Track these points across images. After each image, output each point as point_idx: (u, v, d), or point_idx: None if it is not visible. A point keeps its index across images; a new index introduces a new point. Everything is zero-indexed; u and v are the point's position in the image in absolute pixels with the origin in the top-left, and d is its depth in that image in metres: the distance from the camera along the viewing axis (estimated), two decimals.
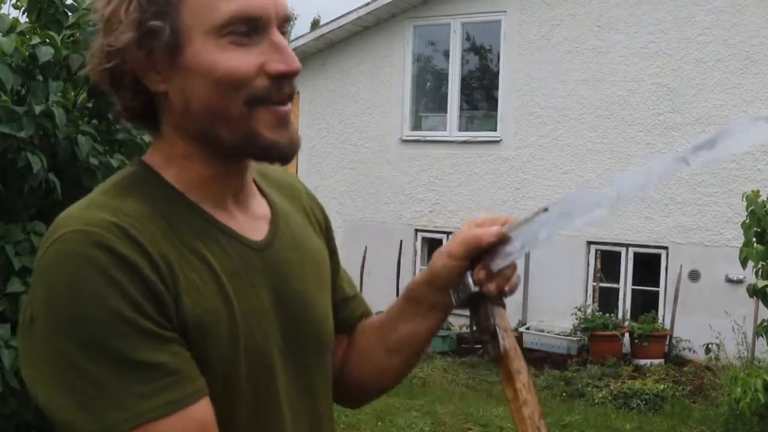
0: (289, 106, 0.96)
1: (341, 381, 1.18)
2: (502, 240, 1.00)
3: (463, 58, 9.65)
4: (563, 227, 0.98)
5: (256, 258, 0.99)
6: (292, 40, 9.92)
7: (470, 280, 1.02)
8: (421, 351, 1.18)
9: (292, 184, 1.19)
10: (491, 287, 1.02)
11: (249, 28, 0.92)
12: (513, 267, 1.04)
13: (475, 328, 0.96)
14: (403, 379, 1.23)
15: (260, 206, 1.06)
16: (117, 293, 0.84)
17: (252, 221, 1.03)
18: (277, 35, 0.94)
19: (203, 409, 0.87)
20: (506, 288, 1.04)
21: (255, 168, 1.07)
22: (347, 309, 1.21)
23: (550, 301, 8.51)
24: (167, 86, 0.94)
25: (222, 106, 0.92)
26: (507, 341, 1.02)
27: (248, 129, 0.93)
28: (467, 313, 1.09)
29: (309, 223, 1.15)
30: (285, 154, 0.96)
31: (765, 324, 5.34)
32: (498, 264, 1.00)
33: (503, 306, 1.04)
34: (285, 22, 0.96)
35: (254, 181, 1.08)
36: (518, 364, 1.01)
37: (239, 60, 0.91)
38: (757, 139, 0.87)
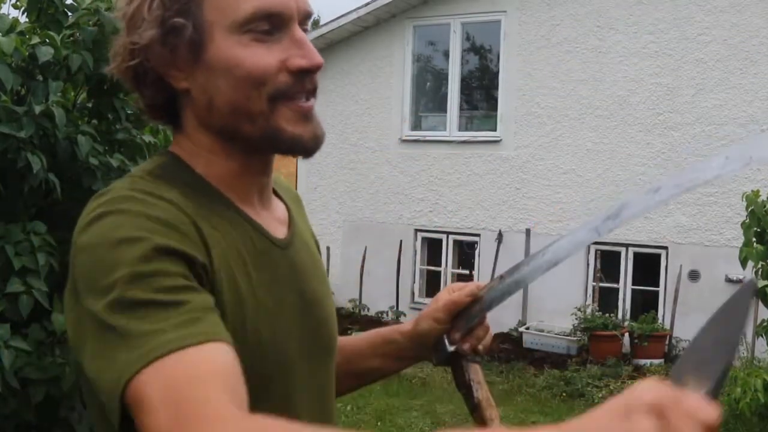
0: (312, 101, 0.97)
1: None
2: (475, 299, 1.15)
3: (462, 58, 9.65)
4: (513, 292, 1.16)
5: (281, 256, 1.01)
6: None
7: (446, 342, 1.15)
8: (374, 381, 1.30)
9: (296, 195, 1.22)
10: (466, 347, 1.15)
11: (270, 25, 0.93)
12: (485, 328, 1.17)
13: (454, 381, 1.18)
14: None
15: (279, 207, 1.09)
16: (161, 239, 0.83)
17: (274, 221, 1.04)
18: (298, 31, 0.95)
19: (224, 354, 0.78)
20: (479, 347, 1.16)
21: None
22: None
23: (550, 301, 8.51)
24: (190, 83, 0.95)
25: (245, 102, 0.93)
26: (480, 393, 1.14)
27: (271, 124, 0.94)
28: None
29: (308, 231, 1.18)
30: (308, 148, 0.97)
31: (765, 324, 5.34)
32: (464, 325, 1.15)
33: (478, 362, 1.17)
34: (306, 18, 0.97)
35: None
36: (491, 412, 1.13)
37: (261, 56, 0.92)
38: (649, 210, 1.00)
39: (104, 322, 0.80)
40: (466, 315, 1.15)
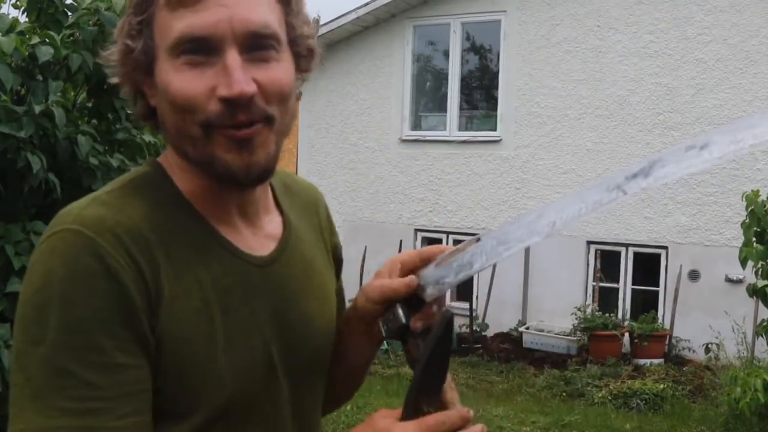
0: (251, 129, 0.90)
1: None
2: (415, 290, 1.01)
3: (462, 57, 9.65)
4: (499, 256, 0.97)
5: (257, 274, 0.98)
6: None
7: (400, 313, 1.02)
8: (358, 377, 1.20)
9: (315, 199, 1.19)
10: (418, 324, 1.01)
11: (201, 49, 0.89)
12: (440, 305, 1.04)
13: (426, 354, 0.96)
14: (340, 404, 1.23)
15: (272, 222, 1.05)
16: (87, 303, 0.84)
17: (259, 237, 1.02)
18: (230, 56, 0.89)
19: None
20: (432, 324, 1.01)
21: (279, 181, 1.09)
22: None
23: (550, 300, 8.51)
24: (155, 101, 0.96)
25: (183, 126, 0.92)
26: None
27: (207, 150, 0.91)
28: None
29: (321, 239, 1.15)
30: (237, 178, 0.92)
31: (765, 324, 5.34)
32: (429, 293, 1.01)
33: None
34: (254, 39, 0.90)
35: (274, 194, 1.08)
36: (451, 395, 0.99)
37: (189, 83, 0.89)
38: (691, 169, 0.86)
39: (24, 359, 0.85)
40: (433, 282, 1.01)
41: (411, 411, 0.94)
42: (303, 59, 0.99)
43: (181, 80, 0.90)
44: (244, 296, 0.96)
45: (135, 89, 0.97)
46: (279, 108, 0.93)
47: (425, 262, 1.04)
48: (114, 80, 0.99)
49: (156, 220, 0.92)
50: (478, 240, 0.99)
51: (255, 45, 0.91)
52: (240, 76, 0.89)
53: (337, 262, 1.20)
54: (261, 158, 0.92)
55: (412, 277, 1.01)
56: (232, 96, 0.88)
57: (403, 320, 1.01)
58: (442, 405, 0.96)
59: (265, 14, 0.92)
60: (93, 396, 0.83)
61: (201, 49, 0.89)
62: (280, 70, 0.93)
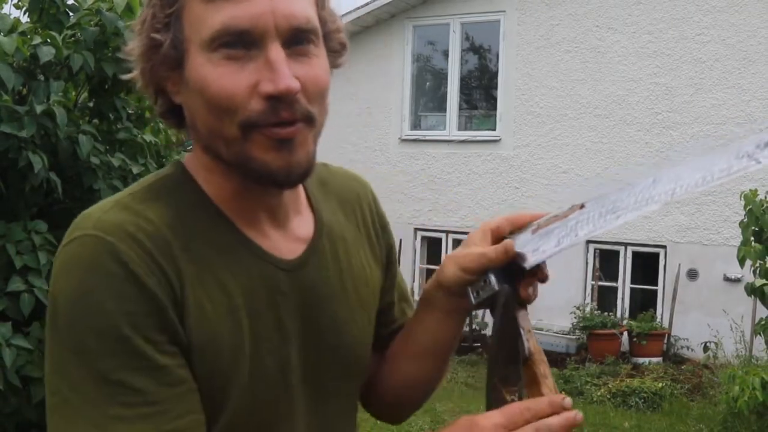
0: (292, 128, 0.86)
1: (374, 397, 1.16)
2: (514, 258, 0.95)
3: (462, 57, 9.66)
4: (608, 224, 0.91)
5: (285, 278, 0.94)
6: None
7: (493, 280, 0.96)
8: (446, 357, 1.12)
9: (357, 194, 1.14)
10: (521, 293, 0.95)
11: (241, 42, 0.84)
12: (542, 271, 0.98)
13: (496, 329, 0.92)
14: (433, 390, 1.17)
15: (302, 223, 1.00)
16: (119, 309, 0.82)
17: (288, 240, 0.97)
18: (273, 51, 0.84)
19: None
20: (530, 290, 0.96)
21: (315, 176, 1.02)
22: (383, 326, 1.14)
23: (549, 299, 8.51)
24: (181, 98, 0.91)
25: (218, 125, 0.87)
26: (531, 343, 0.94)
27: (244, 150, 0.86)
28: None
29: (363, 236, 1.10)
30: (278, 179, 0.88)
31: (763, 322, 5.36)
32: (529, 261, 0.94)
33: (525, 308, 0.97)
34: (296, 33, 0.86)
35: (306, 192, 1.04)
36: (543, 368, 0.93)
37: (229, 78, 0.84)
38: None
39: (65, 371, 0.83)
40: (532, 250, 0.95)
41: (492, 399, 0.90)
42: (335, 54, 0.96)
43: (220, 76, 0.85)
44: (269, 301, 0.93)
45: (156, 86, 0.92)
46: (319, 107, 0.90)
47: (515, 229, 1.00)
48: (128, 76, 0.94)
49: (179, 223, 0.89)
50: (582, 207, 0.94)
51: (296, 39, 0.87)
52: (286, 71, 0.84)
53: (390, 262, 1.14)
54: (302, 158, 0.89)
55: (509, 244, 0.95)
56: (279, 92, 0.84)
57: (496, 287, 0.96)
58: (533, 390, 0.91)
59: (305, 7, 0.88)
60: (143, 401, 0.81)
61: (241, 42, 0.84)
62: (319, 66, 0.89)
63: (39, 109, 2.62)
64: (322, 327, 0.97)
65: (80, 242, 0.85)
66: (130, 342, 0.82)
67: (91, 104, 3.11)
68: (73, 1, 2.94)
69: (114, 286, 0.82)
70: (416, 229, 9.67)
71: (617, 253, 8.56)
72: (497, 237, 1.00)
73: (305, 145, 0.89)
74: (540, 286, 0.99)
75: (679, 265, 8.05)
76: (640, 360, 7.70)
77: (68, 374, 0.82)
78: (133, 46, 0.91)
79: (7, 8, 3.06)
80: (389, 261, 1.14)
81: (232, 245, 0.92)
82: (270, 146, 0.86)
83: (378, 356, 1.14)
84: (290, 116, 0.86)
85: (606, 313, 8.23)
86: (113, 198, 0.91)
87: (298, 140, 0.88)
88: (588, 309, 8.29)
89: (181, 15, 0.87)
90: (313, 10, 0.89)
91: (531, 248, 0.95)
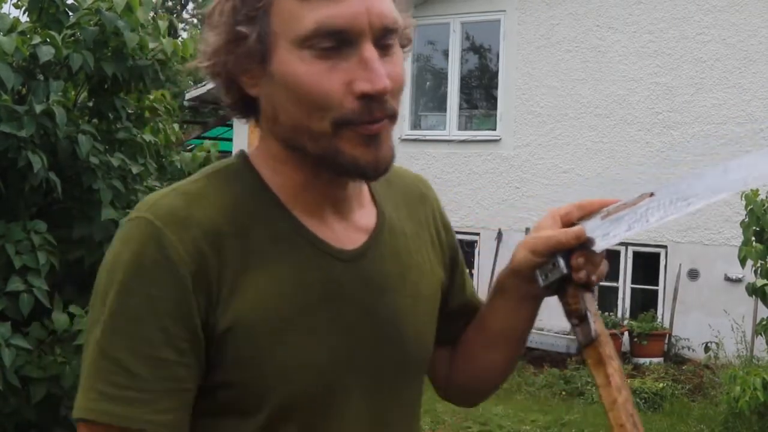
0: (380, 125, 0.89)
1: (449, 384, 1.18)
2: (584, 242, 0.99)
3: (462, 57, 9.66)
4: (679, 211, 0.94)
5: (342, 269, 0.95)
6: None
7: (562, 263, 1.00)
8: (521, 344, 1.15)
9: (420, 192, 1.17)
10: (581, 274, 1.01)
11: (336, 42, 0.86)
12: (601, 255, 1.02)
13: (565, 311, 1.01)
14: (507, 376, 1.20)
15: (365, 216, 1.02)
16: (141, 290, 0.85)
17: (350, 231, 0.98)
18: (367, 50, 0.87)
19: None
20: (594, 275, 1.02)
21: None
22: (454, 323, 1.17)
23: (550, 299, 8.50)
24: (258, 91, 0.92)
25: (307, 121, 0.88)
26: (598, 325, 1.00)
27: (333, 144, 0.89)
28: None
29: (426, 233, 1.11)
30: (365, 172, 0.91)
31: (764, 323, 5.35)
32: (599, 245, 0.99)
33: (590, 291, 1.02)
34: (385, 33, 0.89)
35: (369, 188, 1.05)
36: (609, 349, 0.97)
37: (323, 77, 0.86)
38: None
39: (90, 338, 0.88)
40: (602, 235, 0.99)
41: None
42: (403, 49, 0.97)
43: (313, 73, 0.86)
44: (324, 292, 0.93)
45: (229, 77, 0.93)
46: (398, 103, 0.94)
47: (585, 215, 1.03)
48: (193, 65, 0.97)
49: (235, 212, 0.91)
50: (651, 195, 0.97)
51: (384, 38, 0.89)
52: (382, 71, 0.87)
53: (455, 264, 1.16)
54: (387, 152, 0.92)
55: (580, 229, 1.00)
56: (376, 91, 0.86)
57: (565, 270, 1.00)
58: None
59: (392, 7, 0.91)
60: (132, 386, 0.84)
61: (336, 41, 0.86)
62: (399, 64, 0.92)
63: (38, 108, 2.61)
64: (380, 319, 0.97)
65: (135, 223, 0.89)
66: (142, 327, 0.84)
67: (90, 104, 3.12)
68: (72, 1, 2.94)
69: (148, 269, 0.85)
70: None
71: (618, 252, 8.55)
72: (566, 223, 1.04)
73: (388, 140, 0.92)
74: None
75: (680, 265, 8.05)
76: (641, 360, 7.69)
77: (87, 342, 0.88)
78: (209, 38, 0.92)
79: (7, 8, 3.06)
80: (454, 262, 1.17)
81: (289, 235, 0.93)
82: (359, 142, 0.89)
83: (451, 348, 1.17)
84: (382, 114, 0.89)
85: (606, 313, 8.22)
86: (175, 184, 0.95)
87: (384, 136, 0.91)
88: None
89: (269, 10, 0.88)
90: (395, 8, 0.92)
91: (600, 233, 0.99)
